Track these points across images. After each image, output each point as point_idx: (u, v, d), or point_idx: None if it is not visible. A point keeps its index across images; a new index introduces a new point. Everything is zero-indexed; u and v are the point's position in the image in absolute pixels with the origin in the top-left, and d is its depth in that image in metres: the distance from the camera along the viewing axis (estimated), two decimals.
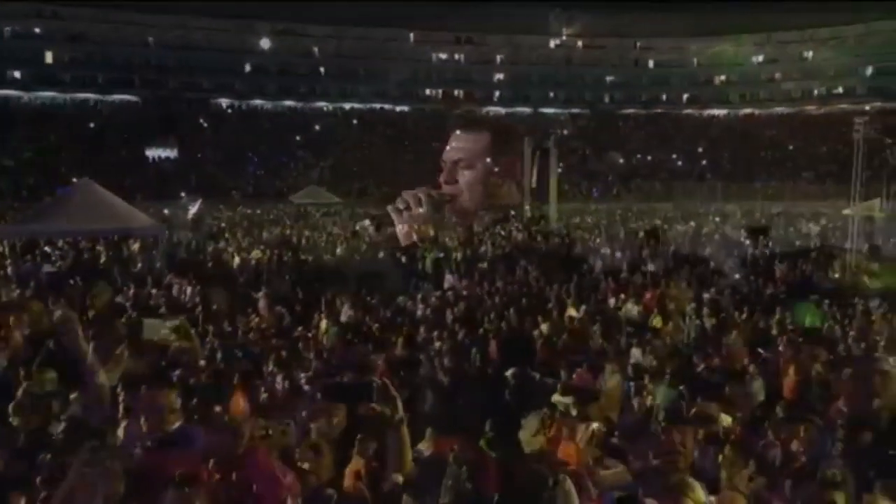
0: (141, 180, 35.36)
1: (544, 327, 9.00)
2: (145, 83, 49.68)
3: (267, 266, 15.41)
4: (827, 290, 11.61)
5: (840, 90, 49.93)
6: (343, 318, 10.09)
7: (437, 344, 8.41)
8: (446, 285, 13.26)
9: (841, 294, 11.58)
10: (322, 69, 54.03)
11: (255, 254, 16.76)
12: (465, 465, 3.76)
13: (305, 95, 53.66)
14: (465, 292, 12.29)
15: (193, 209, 23.77)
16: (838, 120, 39.64)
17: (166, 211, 23.46)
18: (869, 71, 48.80)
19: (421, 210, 3.18)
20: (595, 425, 5.45)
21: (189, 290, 11.43)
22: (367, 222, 4.58)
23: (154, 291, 11.40)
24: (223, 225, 23.46)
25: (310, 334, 9.18)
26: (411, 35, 55.68)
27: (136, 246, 15.87)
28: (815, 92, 50.79)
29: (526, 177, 27.65)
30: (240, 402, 4.85)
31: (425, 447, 4.86)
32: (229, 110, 52.31)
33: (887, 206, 18.22)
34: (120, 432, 3.62)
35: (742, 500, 4.26)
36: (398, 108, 54.72)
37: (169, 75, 50.17)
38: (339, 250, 17.67)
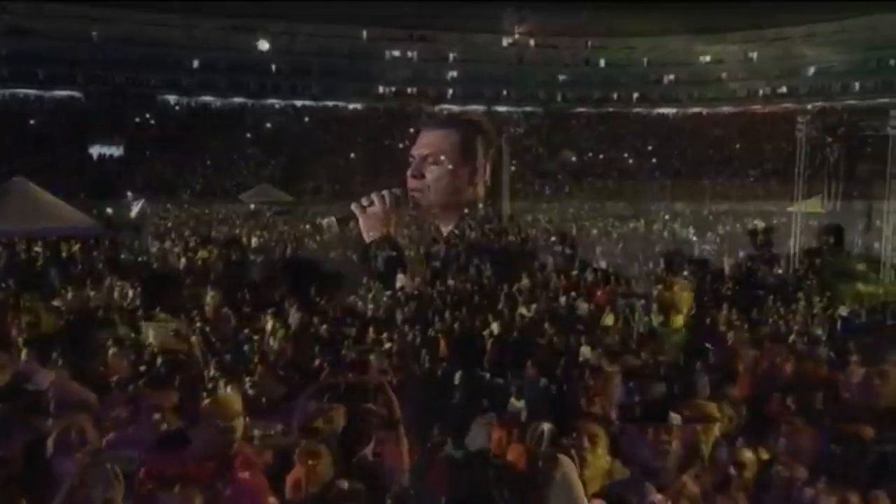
0: (85, 179, 34.30)
1: (495, 326, 8.96)
2: (89, 78, 48.19)
3: (214, 267, 15.08)
4: (772, 286, 11.85)
5: (784, 90, 51.24)
6: (291, 320, 9.90)
7: (387, 345, 8.29)
8: (398, 284, 13.13)
9: (785, 289, 11.83)
10: (273, 66, 53.18)
11: (202, 254, 16.39)
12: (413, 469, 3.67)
13: (256, 92, 52.76)
14: (416, 291, 12.19)
15: (136, 208, 23.13)
16: (782, 119, 40.66)
17: (109, 210, 22.77)
18: (811, 71, 50.19)
19: (383, 207, 3.10)
20: (547, 426, 5.38)
21: (131, 292, 11.07)
22: (332, 219, 4.42)
23: (93, 294, 11.01)
24: (169, 224, 22.91)
25: (256, 337, 8.98)
26: (364, 32, 55.22)
27: (76, 247, 15.36)
28: (760, 92, 52.03)
29: (479, 175, 27.75)
30: (233, 403, 4.75)
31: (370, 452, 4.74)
32: (177, 107, 51.12)
33: (829, 203, 18.77)
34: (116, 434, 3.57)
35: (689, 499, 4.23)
36: (351, 106, 54.22)
37: (114, 70, 48.73)
38: (289, 250, 17.43)
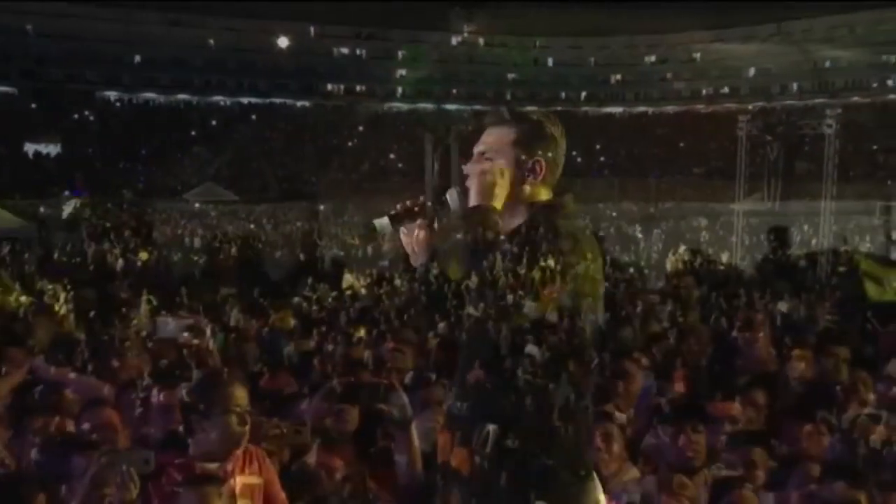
0: (19, 177, 33.03)
1: (441, 326, 8.82)
2: (23, 74, 46.41)
3: (154, 268, 14.64)
4: (714, 283, 12.01)
5: (726, 90, 52.49)
6: (232, 323, 9.62)
7: (330, 347, 8.10)
8: (344, 284, 12.93)
9: (727, 286, 12.00)
10: (218, 62, 52.07)
11: (142, 255, 15.91)
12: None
13: (201, 89, 51.61)
14: (362, 291, 12.01)
15: (68, 208, 22.35)
16: (724, 118, 41.61)
17: (43, 210, 21.96)
18: (751, 72, 51.54)
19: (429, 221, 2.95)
20: (492, 427, 5.30)
21: (63, 295, 10.61)
22: (385, 219, 4.01)
23: (24, 298, 10.52)
24: (108, 225, 22.18)
25: (195, 341, 8.69)
26: (311, 29, 54.54)
27: (6, 249, 14.71)
28: (704, 91, 53.18)
29: (427, 173, 27.56)
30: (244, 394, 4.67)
31: (311, 459, 4.60)
32: (117, 103, 49.67)
33: (768, 200, 19.25)
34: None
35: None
36: (299, 103, 53.53)
37: (50, 65, 47.03)
38: (233, 250, 17.03)
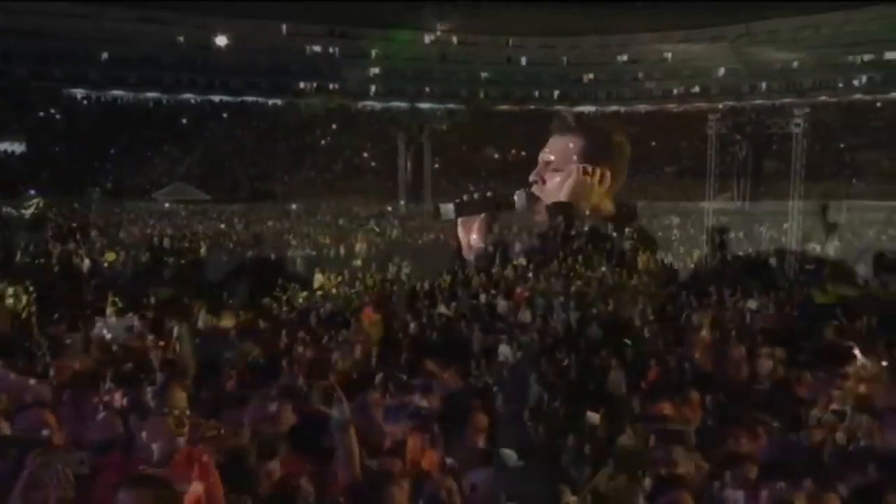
0: None
1: (413, 326, 8.78)
2: None
3: (121, 269, 14.38)
4: (686, 281, 12.11)
5: (697, 89, 52.98)
6: (200, 324, 9.48)
7: (300, 349, 8.01)
8: (315, 285, 12.83)
9: (699, 284, 12.09)
10: (188, 60, 51.34)
11: (109, 256, 15.63)
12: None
13: (171, 87, 50.83)
14: (334, 291, 11.91)
15: (31, 208, 21.89)
16: (695, 118, 42.02)
17: (5, 210, 21.48)
18: (721, 72, 52.10)
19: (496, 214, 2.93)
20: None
21: (24, 297, 10.38)
22: (451, 205, 3.89)
23: None
24: (74, 225, 21.75)
25: (161, 343, 8.53)
26: (283, 27, 54.01)
27: None
28: (675, 91, 53.63)
29: (400, 172, 27.50)
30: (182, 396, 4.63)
31: (275, 466, 4.52)
32: (85, 101, 48.75)
33: (738, 198, 19.43)
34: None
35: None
36: (271, 102, 52.99)
37: (15, 63, 46.00)
38: (203, 251, 16.79)
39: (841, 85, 47.18)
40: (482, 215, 1.86)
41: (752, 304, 9.92)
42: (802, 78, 48.46)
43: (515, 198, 2.07)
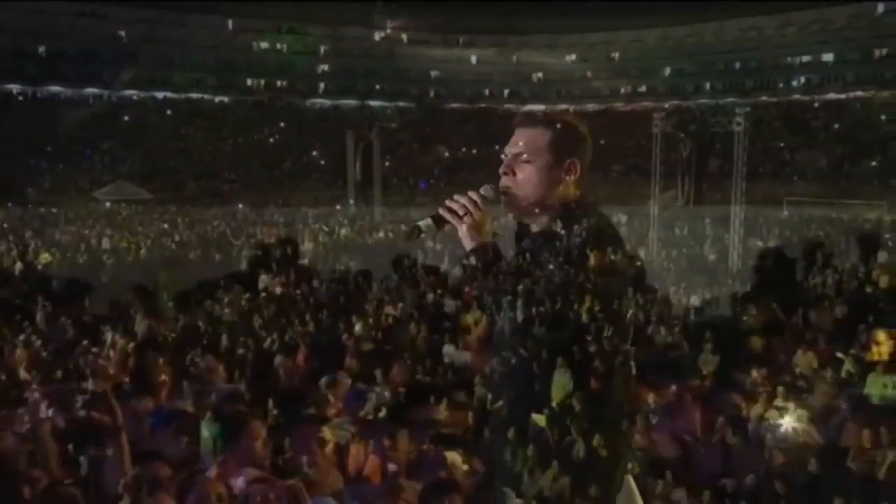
0: None
1: (358, 328, 8.61)
2: None
3: (57, 272, 13.82)
4: (632, 278, 12.19)
5: (643, 89, 53.86)
6: (137, 329, 9.13)
7: (240, 352, 7.77)
8: (260, 286, 12.52)
9: (644, 281, 12.20)
10: (130, 55, 49.86)
11: (44, 257, 15.03)
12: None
13: (111, 83, 49.32)
14: (278, 292, 11.65)
15: None
16: (642, 117, 42.69)
17: None
18: (667, 72, 53.07)
19: (479, 212, 2.84)
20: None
21: None
22: (430, 220, 3.69)
23: None
24: (6, 226, 20.90)
25: (95, 349, 8.18)
26: (230, 22, 52.97)
27: None
28: (622, 90, 54.42)
29: (349, 170, 27.20)
30: None
31: (212, 474, 4.34)
32: (20, 97, 46.98)
33: (682, 196, 19.77)
34: None
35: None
36: (217, 99, 51.93)
37: None
38: (143, 251, 16.29)
39: (781, 85, 48.51)
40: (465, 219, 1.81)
41: (694, 300, 10.05)
42: (744, 78, 49.68)
43: (483, 192, 2.02)
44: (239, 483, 3.17)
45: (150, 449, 3.61)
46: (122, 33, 50.05)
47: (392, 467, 4.39)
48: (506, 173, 2.15)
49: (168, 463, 3.31)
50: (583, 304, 2.34)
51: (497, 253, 2.11)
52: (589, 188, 2.19)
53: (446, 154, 49.43)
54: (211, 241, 18.38)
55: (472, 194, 2.10)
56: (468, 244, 2.09)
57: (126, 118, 46.35)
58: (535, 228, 2.15)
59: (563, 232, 2.06)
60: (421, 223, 2.06)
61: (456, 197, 2.09)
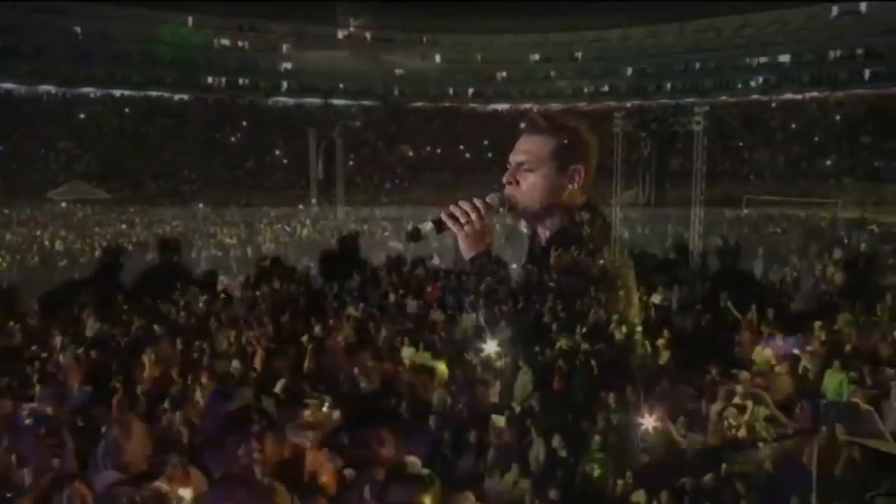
0: None
1: (317, 330, 8.46)
2: None
3: (7, 275, 13.40)
4: (593, 276, 12.21)
5: (606, 88, 54.36)
6: (89, 333, 8.87)
7: (195, 355, 7.57)
8: (219, 287, 12.27)
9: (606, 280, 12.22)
10: (86, 51, 48.71)
11: None
12: None
13: (68, 80, 48.14)
14: (237, 294, 11.43)
15: None
16: (604, 116, 43.04)
17: None
18: (629, 72, 53.65)
19: (480, 219, 2.77)
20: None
21: None
22: (430, 224, 3.60)
23: None
24: None
25: (44, 354, 7.92)
26: (190, 19, 52.09)
27: None
28: (585, 90, 54.86)
29: (311, 170, 26.92)
30: None
31: (163, 483, 4.19)
32: None
33: (644, 195, 19.96)
34: None
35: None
36: (177, 97, 51.05)
37: None
38: (98, 253, 15.86)
39: (739, 86, 49.36)
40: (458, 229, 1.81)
41: (655, 298, 10.10)
42: (704, 78, 50.44)
43: (488, 200, 1.97)
44: (100, 486, 3.10)
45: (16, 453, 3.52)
46: (78, 29, 48.89)
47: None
48: (510, 182, 2.13)
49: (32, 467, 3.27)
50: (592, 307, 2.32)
51: (496, 262, 2.10)
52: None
53: (410, 153, 49.29)
54: (170, 241, 17.96)
55: (476, 201, 2.07)
56: (466, 252, 2.07)
57: (82, 116, 45.29)
58: (542, 235, 2.16)
59: (576, 239, 2.07)
60: (421, 226, 2.04)
61: (461, 203, 2.06)
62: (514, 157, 2.14)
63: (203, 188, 36.32)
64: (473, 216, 2.04)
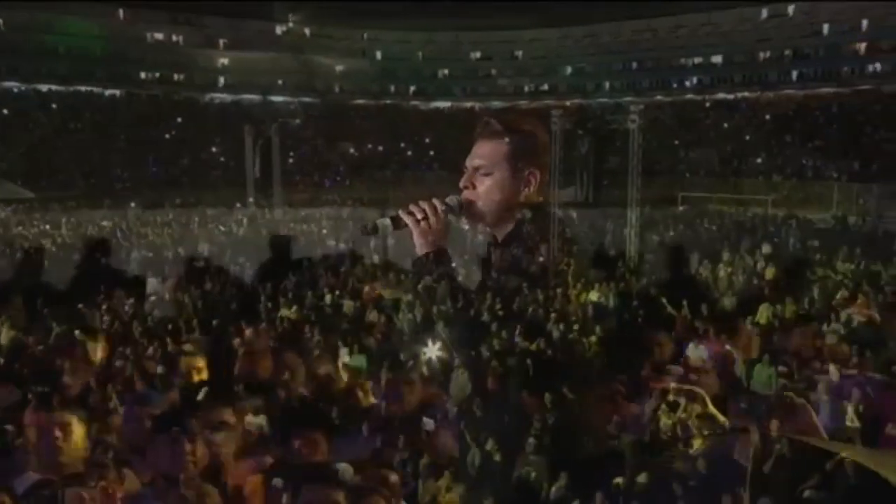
0: None
1: (248, 333, 8.18)
2: None
3: None
4: (531, 275, 12.23)
5: (546, 87, 54.86)
6: (3, 341, 8.39)
7: (118, 363, 7.22)
8: (148, 290, 11.81)
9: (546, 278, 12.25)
10: (9, 44, 46.52)
11: None
12: None
13: None
14: (166, 296, 11.02)
15: None
16: (545, 114, 43.44)
17: None
18: (568, 70, 54.27)
19: (437, 218, 2.64)
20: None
21: None
22: (387, 219, 3.40)
23: None
24: None
25: None
26: (121, 11, 50.33)
27: None
28: (526, 88, 55.26)
29: (248, 167, 26.33)
30: None
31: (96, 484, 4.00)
32: None
33: (581, 193, 20.17)
34: None
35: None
36: (107, 92, 49.30)
37: None
38: (18, 255, 15.12)
39: (675, 85, 50.48)
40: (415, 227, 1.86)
41: (593, 295, 10.15)
42: (641, 78, 51.42)
43: (447, 201, 2.13)
44: (19, 488, 3.01)
45: None
46: (0, 21, 46.70)
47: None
48: (466, 187, 2.16)
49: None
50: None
51: (447, 260, 2.11)
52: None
53: (352, 150, 48.79)
54: (98, 243, 17.27)
55: (435, 201, 2.11)
56: (420, 249, 2.10)
57: (5, 111, 43.32)
58: (499, 237, 2.19)
59: (520, 239, 2.10)
60: (379, 221, 2.07)
61: (421, 202, 2.10)
62: (471, 162, 2.17)
63: (136, 187, 35.20)
64: (430, 215, 2.07)
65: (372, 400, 6.36)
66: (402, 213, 2.08)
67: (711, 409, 6.26)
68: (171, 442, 3.72)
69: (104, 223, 22.18)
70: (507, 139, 2.14)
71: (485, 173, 2.14)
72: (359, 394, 6.65)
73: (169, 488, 3.36)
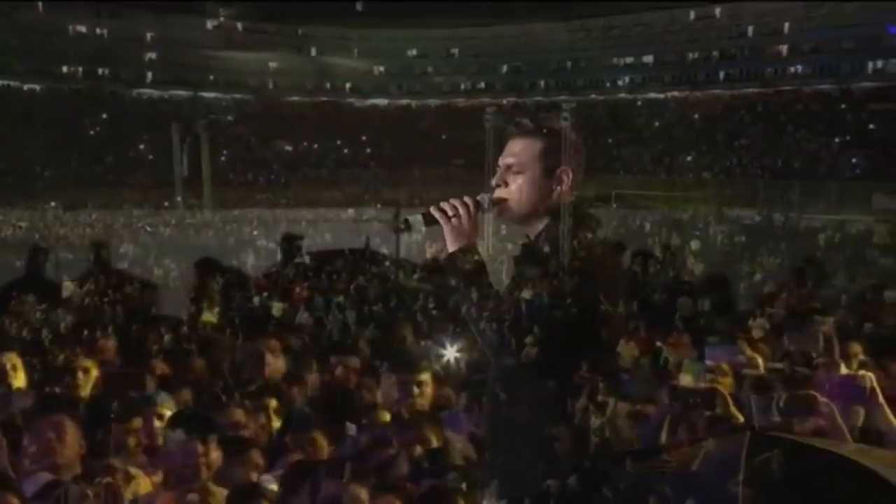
0: None
1: (168, 338, 7.79)
2: None
3: None
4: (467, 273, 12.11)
5: (483, 85, 55.05)
6: None
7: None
8: (64, 294, 11.21)
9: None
10: None
11: None
12: None
13: None
14: (86, 300, 10.48)
15: None
16: (482, 112, 43.45)
17: None
18: (504, 69, 54.60)
19: (468, 215, 2.50)
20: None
21: None
22: (419, 216, 3.15)
23: None
24: None
25: None
26: (40, 4, 48.17)
27: None
28: (462, 86, 55.33)
29: (176, 165, 25.51)
30: None
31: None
32: None
33: None
34: None
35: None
36: (27, 87, 47.17)
37: None
38: None
39: (608, 84, 51.39)
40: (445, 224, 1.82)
41: (526, 294, 10.10)
42: (575, 77, 52.14)
43: (478, 199, 2.19)
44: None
45: None
46: None
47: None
48: (499, 185, 2.21)
49: None
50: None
51: (477, 257, 2.13)
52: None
53: (288, 147, 47.95)
54: (12, 245, 16.44)
55: (466, 199, 2.15)
56: (451, 245, 2.13)
57: None
58: (530, 235, 2.23)
59: (552, 238, 2.13)
60: (410, 218, 2.11)
61: (452, 200, 2.14)
62: (503, 160, 2.23)
63: (56, 185, 33.73)
64: (462, 212, 2.11)
65: (298, 405, 6.11)
66: (433, 210, 2.11)
67: (643, 407, 6.26)
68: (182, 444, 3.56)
69: (20, 223, 21.16)
70: (539, 138, 2.20)
71: (517, 171, 2.19)
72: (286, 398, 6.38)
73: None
